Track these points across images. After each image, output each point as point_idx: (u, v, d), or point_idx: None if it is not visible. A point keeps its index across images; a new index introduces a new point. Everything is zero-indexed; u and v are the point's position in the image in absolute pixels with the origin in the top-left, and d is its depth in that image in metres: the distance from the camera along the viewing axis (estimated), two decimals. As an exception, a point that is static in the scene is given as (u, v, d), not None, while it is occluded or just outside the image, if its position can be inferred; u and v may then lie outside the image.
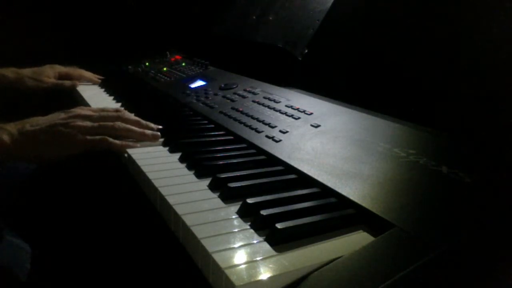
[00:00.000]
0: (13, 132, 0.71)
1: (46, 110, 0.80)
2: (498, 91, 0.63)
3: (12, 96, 1.18)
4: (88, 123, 0.74)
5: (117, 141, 0.73)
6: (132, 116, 0.79)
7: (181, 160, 0.67)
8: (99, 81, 1.35)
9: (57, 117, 0.75)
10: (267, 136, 0.71)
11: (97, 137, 0.73)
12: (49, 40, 1.54)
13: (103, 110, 0.81)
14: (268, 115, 0.79)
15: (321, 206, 0.50)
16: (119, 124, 0.75)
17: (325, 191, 0.54)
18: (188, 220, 0.48)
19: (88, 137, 0.72)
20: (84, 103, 1.10)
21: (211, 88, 1.04)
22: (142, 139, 0.75)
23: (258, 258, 0.41)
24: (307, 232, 0.46)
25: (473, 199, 0.46)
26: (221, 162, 0.64)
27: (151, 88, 1.21)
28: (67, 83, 1.27)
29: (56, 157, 0.74)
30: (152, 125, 0.79)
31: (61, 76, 1.31)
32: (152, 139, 0.76)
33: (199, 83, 1.11)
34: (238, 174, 0.59)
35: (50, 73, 1.27)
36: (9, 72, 1.21)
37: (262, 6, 1.15)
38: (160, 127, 0.79)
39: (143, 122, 0.79)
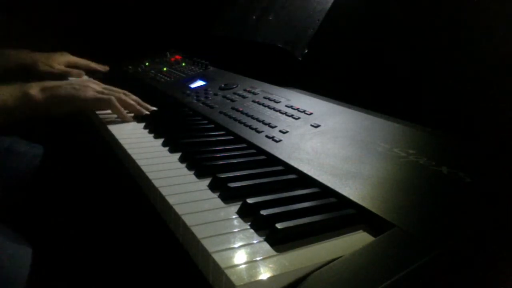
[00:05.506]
0: (37, 88, 0.84)
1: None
2: (498, 91, 0.63)
3: (25, 77, 1.20)
4: (98, 87, 0.91)
5: (118, 105, 0.88)
6: (133, 96, 0.95)
7: (181, 160, 0.67)
8: (107, 69, 1.42)
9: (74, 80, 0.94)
10: (267, 136, 0.71)
11: (105, 96, 0.88)
12: (49, 40, 1.54)
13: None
14: (268, 115, 0.79)
15: (321, 206, 0.50)
16: (122, 95, 0.91)
17: (325, 191, 0.54)
18: (188, 220, 0.48)
19: (97, 94, 0.89)
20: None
21: (211, 88, 1.04)
22: (137, 113, 0.91)
23: (258, 258, 0.41)
24: (307, 232, 0.46)
25: (473, 199, 0.46)
26: (221, 162, 0.64)
27: (151, 88, 1.20)
28: (75, 71, 1.33)
29: (69, 110, 0.88)
30: (150, 107, 0.95)
31: (70, 65, 1.36)
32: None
33: (199, 83, 1.11)
34: (238, 174, 0.59)
35: (60, 60, 1.34)
36: (24, 54, 1.29)
37: (262, 6, 1.14)
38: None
39: (143, 103, 0.95)
